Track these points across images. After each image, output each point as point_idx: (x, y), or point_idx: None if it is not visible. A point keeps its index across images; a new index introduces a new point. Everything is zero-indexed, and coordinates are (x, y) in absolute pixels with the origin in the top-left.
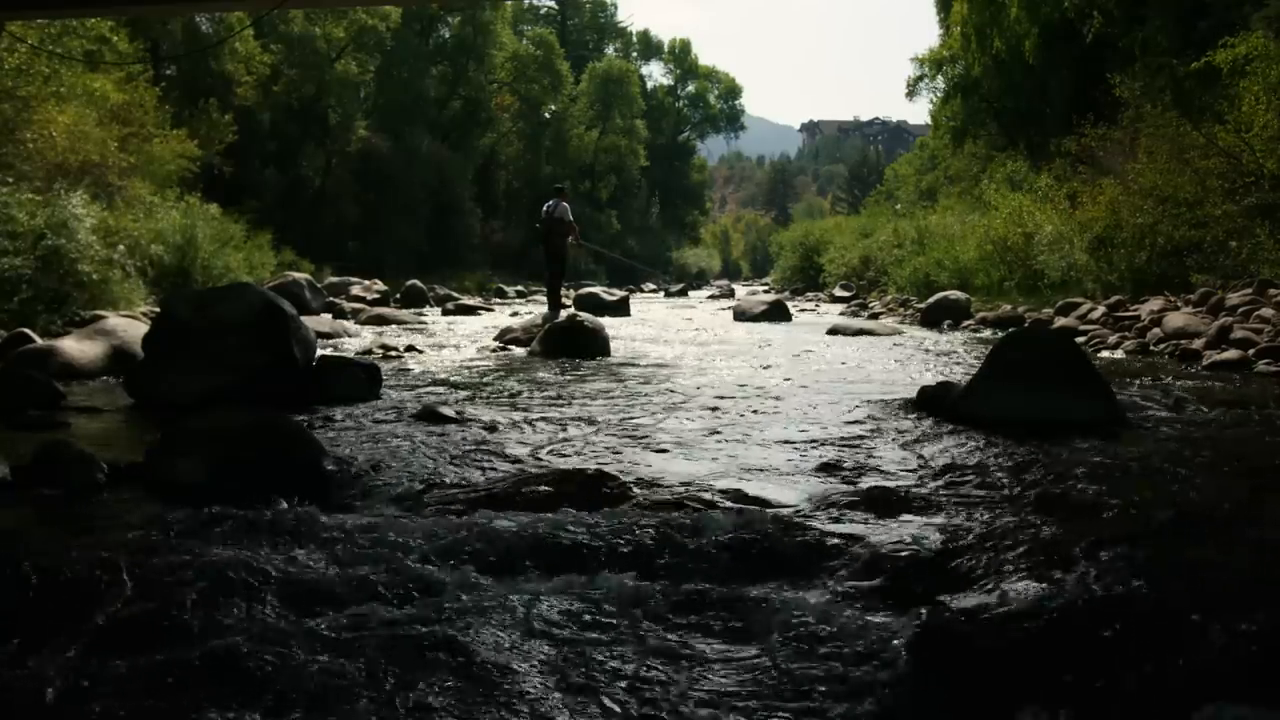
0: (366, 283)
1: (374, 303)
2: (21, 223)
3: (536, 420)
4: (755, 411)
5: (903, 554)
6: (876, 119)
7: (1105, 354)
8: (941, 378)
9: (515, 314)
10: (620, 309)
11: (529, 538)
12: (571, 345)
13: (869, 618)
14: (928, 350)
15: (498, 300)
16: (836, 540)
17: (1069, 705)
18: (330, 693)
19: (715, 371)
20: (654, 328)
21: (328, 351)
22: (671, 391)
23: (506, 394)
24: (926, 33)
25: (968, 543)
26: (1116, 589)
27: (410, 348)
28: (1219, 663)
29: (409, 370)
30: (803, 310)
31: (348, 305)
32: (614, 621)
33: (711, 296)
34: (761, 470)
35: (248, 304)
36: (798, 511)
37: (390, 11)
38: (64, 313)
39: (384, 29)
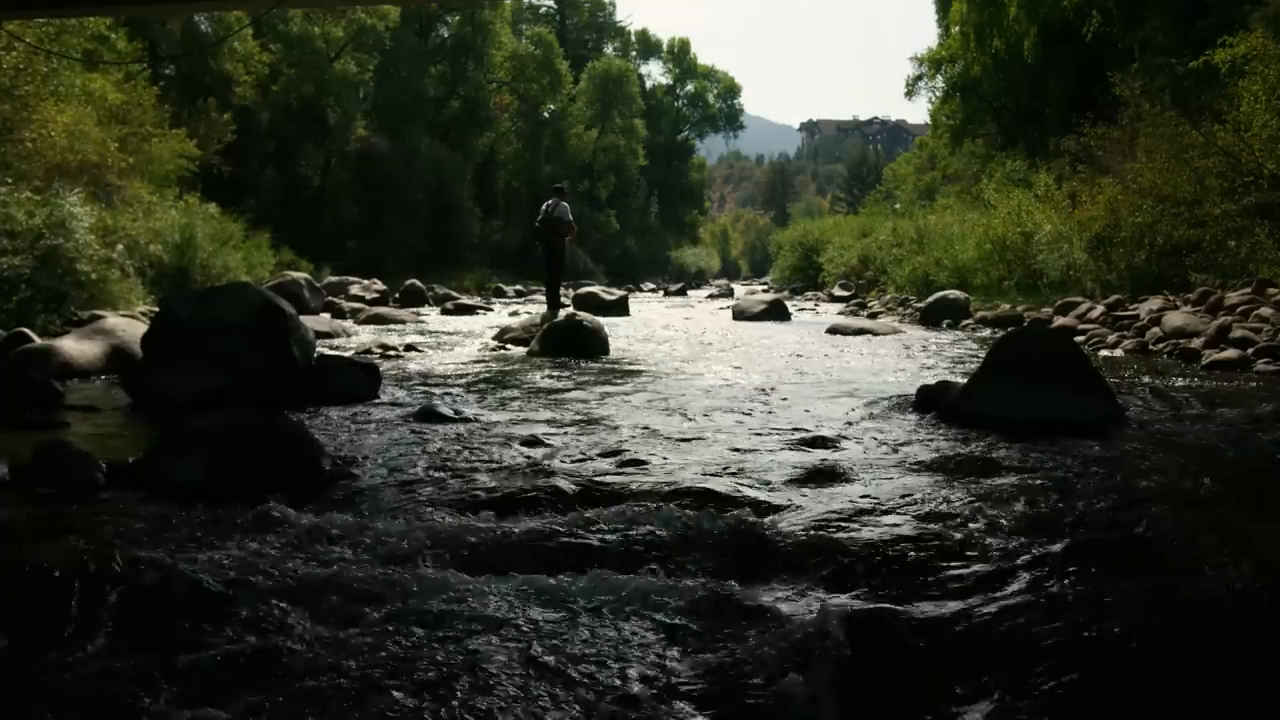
0: (365, 282)
1: (373, 302)
2: (20, 222)
3: (536, 419)
4: (753, 411)
5: (899, 554)
6: (875, 118)
7: (1104, 353)
8: (941, 377)
9: (514, 313)
10: (619, 308)
11: (528, 538)
12: (571, 345)
13: (860, 617)
14: (927, 349)
15: (497, 299)
16: (833, 540)
17: (1056, 706)
18: (328, 693)
19: (714, 371)
20: (653, 327)
21: (327, 351)
22: (669, 391)
23: (506, 393)
24: (926, 32)
25: (965, 544)
26: (1112, 590)
27: (409, 347)
28: (1216, 665)
29: (408, 370)
30: (802, 310)
31: (347, 305)
32: (615, 622)
33: (710, 296)
34: (758, 470)
35: (247, 303)
36: (793, 511)
37: (389, 11)
38: (63, 312)
39: (383, 28)
